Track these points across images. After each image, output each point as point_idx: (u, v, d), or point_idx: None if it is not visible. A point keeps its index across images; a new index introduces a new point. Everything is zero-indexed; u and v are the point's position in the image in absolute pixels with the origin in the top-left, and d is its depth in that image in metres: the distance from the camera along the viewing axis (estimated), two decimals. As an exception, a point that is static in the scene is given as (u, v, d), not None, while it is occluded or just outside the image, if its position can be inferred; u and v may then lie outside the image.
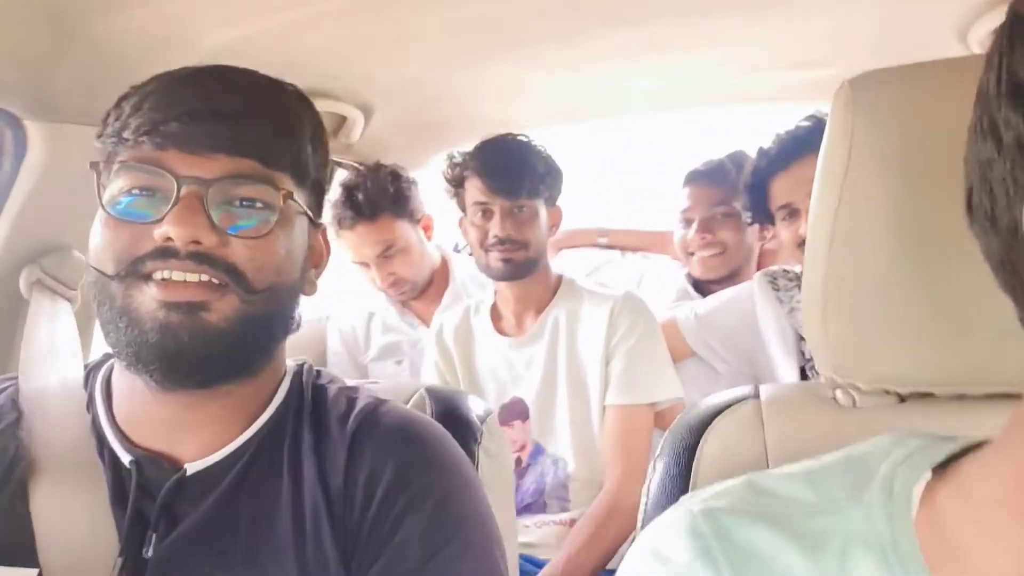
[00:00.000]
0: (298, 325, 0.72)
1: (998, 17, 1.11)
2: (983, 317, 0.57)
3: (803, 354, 1.43)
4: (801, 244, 1.36)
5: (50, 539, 0.63)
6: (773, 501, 0.45)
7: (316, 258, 0.74)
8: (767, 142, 1.46)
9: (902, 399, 0.66)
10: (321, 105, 1.44)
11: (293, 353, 0.77)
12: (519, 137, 1.50)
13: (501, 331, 1.53)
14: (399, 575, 0.64)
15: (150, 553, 0.63)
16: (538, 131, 1.94)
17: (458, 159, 1.50)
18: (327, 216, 1.66)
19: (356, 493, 0.66)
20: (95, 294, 0.64)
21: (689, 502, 0.47)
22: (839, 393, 0.69)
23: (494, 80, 1.57)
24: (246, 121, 0.63)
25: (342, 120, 1.59)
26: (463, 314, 1.59)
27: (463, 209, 1.51)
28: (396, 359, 1.79)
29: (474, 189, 1.44)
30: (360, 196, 1.67)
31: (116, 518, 0.65)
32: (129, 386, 0.68)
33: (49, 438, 0.67)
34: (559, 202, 1.54)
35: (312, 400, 0.73)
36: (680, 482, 0.70)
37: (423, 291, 1.78)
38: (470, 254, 1.78)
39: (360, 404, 0.73)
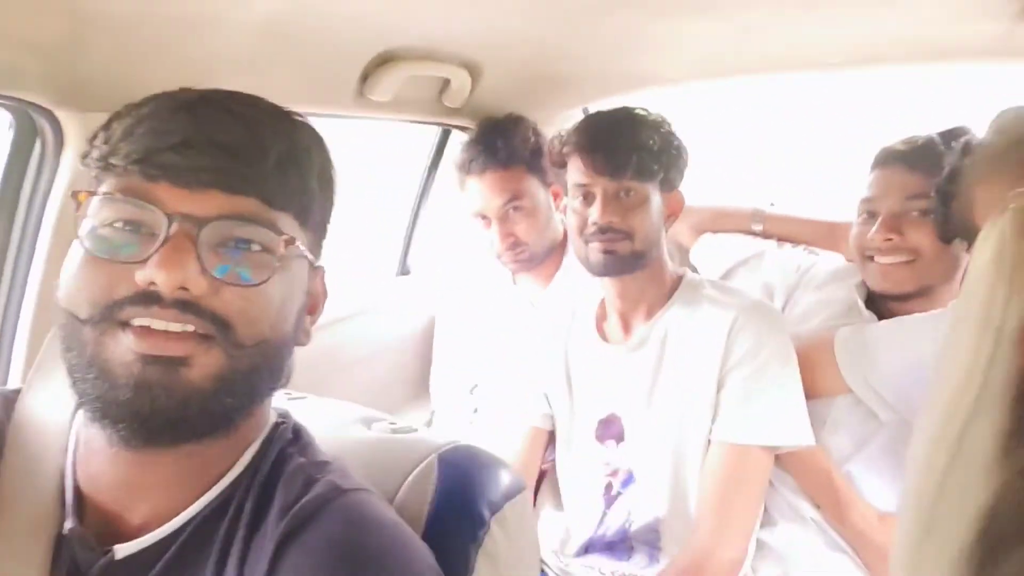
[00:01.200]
0: (287, 379, 0.64)
1: None
2: None
3: None
4: None
5: None
6: None
7: (313, 305, 0.66)
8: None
9: None
10: (417, 68, 1.27)
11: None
12: (635, 110, 1.22)
13: (604, 334, 1.32)
14: None
15: None
16: (690, 85, 1.65)
17: (563, 135, 1.26)
18: (455, 160, 1.57)
19: None
20: (63, 337, 0.57)
21: None
22: None
23: (622, 29, 1.29)
24: (247, 154, 0.56)
25: (445, 82, 1.41)
26: (571, 307, 1.39)
27: (566, 193, 1.29)
28: (501, 340, 1.65)
29: (575, 169, 1.21)
30: (498, 141, 1.52)
31: None
32: (89, 436, 0.61)
33: (20, 457, 0.61)
34: (683, 187, 1.25)
35: (266, 477, 0.62)
36: None
37: (539, 264, 1.60)
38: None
39: (311, 494, 0.59)
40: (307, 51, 1.07)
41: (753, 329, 1.14)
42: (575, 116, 1.81)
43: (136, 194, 0.55)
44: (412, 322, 1.81)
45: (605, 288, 1.29)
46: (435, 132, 1.75)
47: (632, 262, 1.19)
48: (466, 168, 1.54)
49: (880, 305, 1.31)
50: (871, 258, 1.27)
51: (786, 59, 1.44)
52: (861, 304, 1.32)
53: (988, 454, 0.35)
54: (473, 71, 1.40)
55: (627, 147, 1.16)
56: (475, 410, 1.71)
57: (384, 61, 1.23)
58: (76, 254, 0.56)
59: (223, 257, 0.55)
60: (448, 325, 1.77)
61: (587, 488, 1.28)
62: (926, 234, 1.21)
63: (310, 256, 0.63)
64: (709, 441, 1.16)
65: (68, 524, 0.58)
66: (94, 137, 0.59)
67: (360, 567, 0.55)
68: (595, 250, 1.19)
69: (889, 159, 1.27)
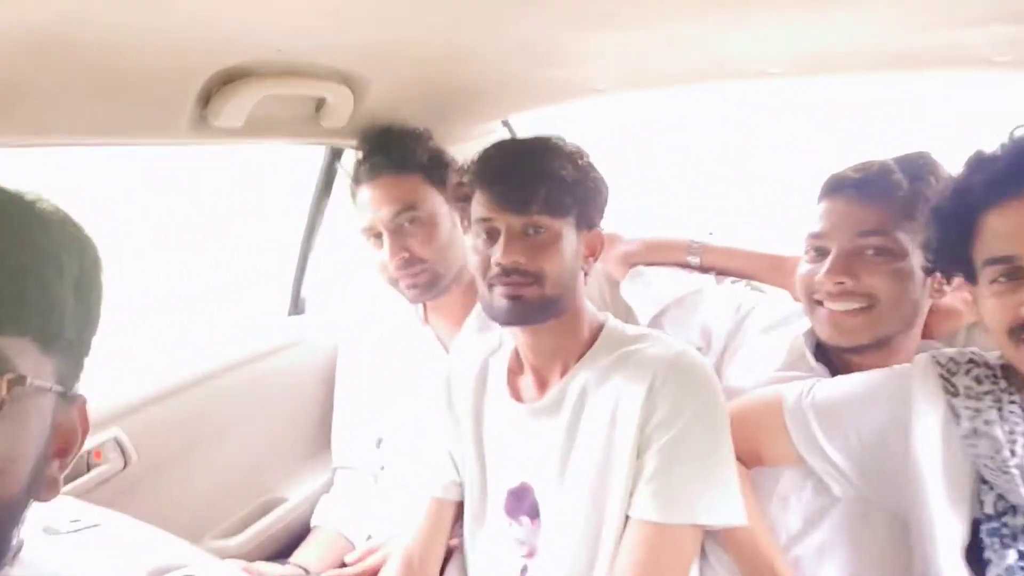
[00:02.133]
0: (17, 551, 0.55)
1: None
2: None
3: (982, 505, 0.87)
4: (1018, 330, 0.80)
5: None
6: None
7: (65, 446, 0.56)
8: (990, 145, 0.86)
9: None
10: (277, 87, 1.04)
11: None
12: (551, 138, 1.04)
13: (517, 392, 1.13)
14: None
15: None
16: (612, 96, 1.45)
17: (466, 165, 1.06)
18: (349, 174, 1.39)
19: None
20: None
21: None
22: None
23: (541, 39, 1.08)
24: None
25: (321, 100, 1.17)
26: (482, 358, 1.20)
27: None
28: (408, 392, 1.45)
29: (477, 202, 1.05)
30: (391, 146, 1.36)
31: None
32: None
33: None
34: (603, 224, 1.07)
35: None
36: None
37: (446, 295, 1.39)
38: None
39: None
40: (108, 71, 0.82)
41: (674, 388, 0.98)
42: (496, 130, 1.62)
43: None
44: (309, 368, 1.58)
45: (517, 340, 1.11)
46: (322, 153, 1.51)
47: (542, 310, 1.01)
48: (357, 177, 1.36)
49: (832, 355, 1.14)
50: (820, 303, 1.10)
51: (716, 70, 1.27)
52: (810, 356, 1.15)
53: None
54: (356, 87, 1.17)
55: (535, 178, 0.98)
56: (382, 467, 1.51)
57: (231, 80, 0.98)
58: None
59: None
60: (350, 370, 1.55)
61: (499, 570, 1.11)
62: (883, 277, 1.05)
63: (57, 388, 0.53)
64: (627, 517, 0.99)
65: None
66: None
67: None
68: (499, 295, 1.01)
69: (839, 187, 1.09)
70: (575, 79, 1.35)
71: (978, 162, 0.87)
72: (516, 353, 1.14)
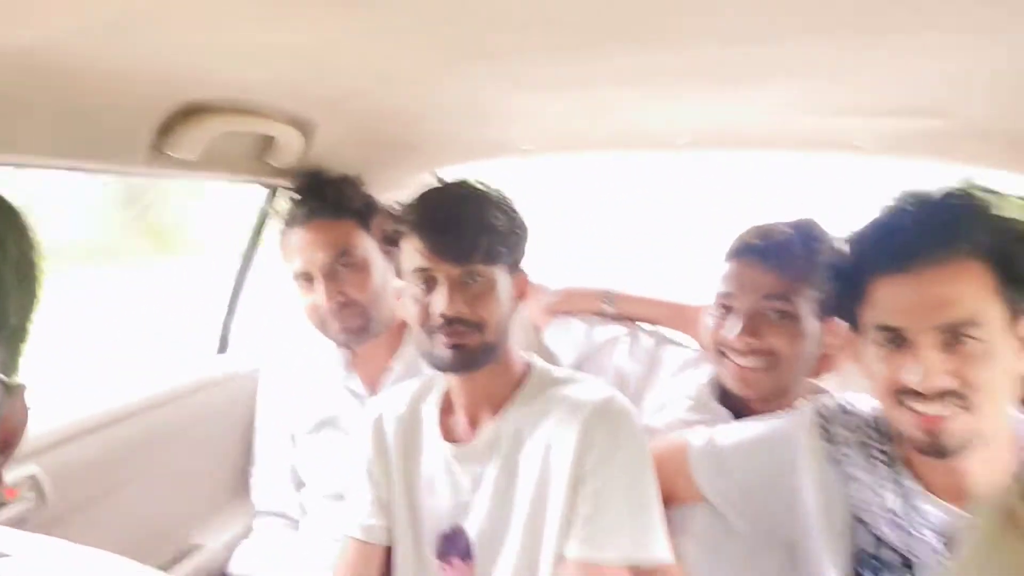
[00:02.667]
0: None
1: None
2: None
3: (857, 541, 0.97)
4: (899, 392, 0.85)
5: None
6: None
7: (5, 437, 0.53)
8: (880, 213, 0.90)
9: None
10: (234, 124, 1.08)
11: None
12: (474, 184, 1.10)
13: (448, 433, 1.15)
14: None
15: None
16: (542, 158, 1.59)
17: (395, 211, 1.11)
18: (282, 216, 1.39)
19: None
20: None
21: None
22: None
23: (475, 99, 1.19)
24: None
25: (269, 139, 1.22)
26: (411, 398, 1.22)
27: (401, 277, 1.11)
28: (332, 436, 1.43)
29: (412, 251, 1.05)
30: (327, 191, 1.38)
31: None
32: None
33: None
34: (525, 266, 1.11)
35: None
36: None
37: (375, 341, 1.42)
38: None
39: None
40: (78, 97, 0.85)
41: (605, 432, 1.02)
42: (425, 180, 1.70)
43: None
44: (231, 408, 1.54)
45: (450, 383, 1.14)
46: (262, 192, 1.53)
47: (483, 356, 1.05)
48: (290, 220, 1.37)
49: (735, 399, 1.26)
50: (725, 355, 1.21)
51: (629, 139, 1.42)
52: (715, 402, 1.27)
53: None
54: (305, 129, 1.23)
55: (473, 229, 1.02)
56: (303, 512, 1.47)
57: (191, 113, 1.02)
58: None
59: None
60: (271, 413, 1.52)
61: None
62: (784, 336, 1.16)
63: (2, 377, 0.50)
64: (560, 559, 1.02)
65: None
66: None
67: None
68: (441, 344, 1.03)
69: (744, 252, 1.22)
70: (503, 139, 1.46)
71: (873, 232, 0.90)
72: (447, 395, 1.16)
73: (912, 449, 0.89)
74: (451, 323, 1.02)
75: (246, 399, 1.55)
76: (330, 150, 1.37)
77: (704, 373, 1.34)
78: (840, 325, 1.03)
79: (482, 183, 1.09)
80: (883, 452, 0.95)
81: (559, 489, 1.02)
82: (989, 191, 0.84)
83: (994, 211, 0.83)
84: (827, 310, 1.07)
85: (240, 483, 1.53)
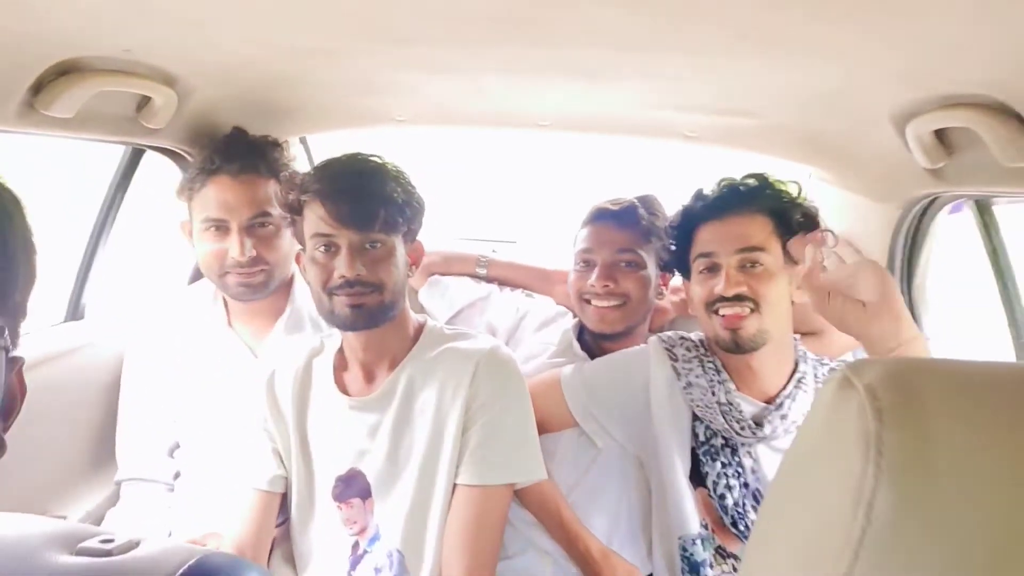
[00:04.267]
0: None
1: (942, 119, 0.93)
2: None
3: (696, 436, 1.25)
4: (711, 303, 1.18)
5: None
6: None
7: (8, 405, 0.55)
8: (708, 186, 1.27)
9: None
10: (111, 83, 1.05)
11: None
12: (372, 158, 1.19)
13: (344, 387, 1.25)
14: None
15: None
16: (419, 128, 1.66)
17: (296, 178, 1.16)
18: (198, 164, 1.38)
19: None
20: None
21: None
22: None
23: (361, 74, 1.24)
24: None
25: (144, 99, 1.19)
26: (304, 357, 1.28)
27: (301, 241, 1.19)
28: (214, 392, 1.44)
29: (316, 218, 1.12)
30: (259, 151, 1.40)
31: None
32: None
33: None
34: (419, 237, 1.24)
35: None
36: None
37: (263, 301, 1.44)
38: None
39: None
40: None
41: (494, 374, 1.18)
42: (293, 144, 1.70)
43: None
44: (88, 377, 1.47)
45: (347, 340, 1.23)
46: (121, 152, 1.46)
47: (381, 315, 1.16)
48: (213, 165, 1.35)
49: (591, 345, 1.48)
50: (588, 301, 1.43)
51: (500, 118, 1.55)
52: (576, 345, 1.48)
53: None
54: (181, 91, 1.21)
55: (375, 199, 1.11)
56: (176, 475, 1.47)
57: (66, 71, 0.98)
58: None
59: None
60: (140, 377, 1.48)
61: (330, 550, 1.21)
62: (633, 282, 1.41)
63: (12, 345, 0.52)
64: (455, 486, 1.17)
65: None
66: None
67: None
68: (341, 304, 1.12)
69: (601, 217, 1.44)
70: (380, 108, 1.51)
71: (699, 194, 1.27)
72: (341, 352, 1.26)
73: (723, 352, 1.22)
74: (352, 285, 1.11)
75: (107, 365, 1.49)
76: (205, 112, 1.35)
77: (561, 327, 1.54)
78: (669, 280, 1.45)
79: (379, 157, 1.17)
80: (711, 362, 1.25)
81: (452, 427, 1.16)
82: (770, 176, 1.24)
83: (775, 186, 1.22)
84: (667, 264, 1.37)
85: (102, 452, 1.48)
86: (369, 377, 1.23)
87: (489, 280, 1.67)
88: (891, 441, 0.34)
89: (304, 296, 1.47)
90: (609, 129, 1.58)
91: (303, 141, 1.76)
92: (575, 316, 1.53)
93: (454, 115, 1.55)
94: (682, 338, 1.32)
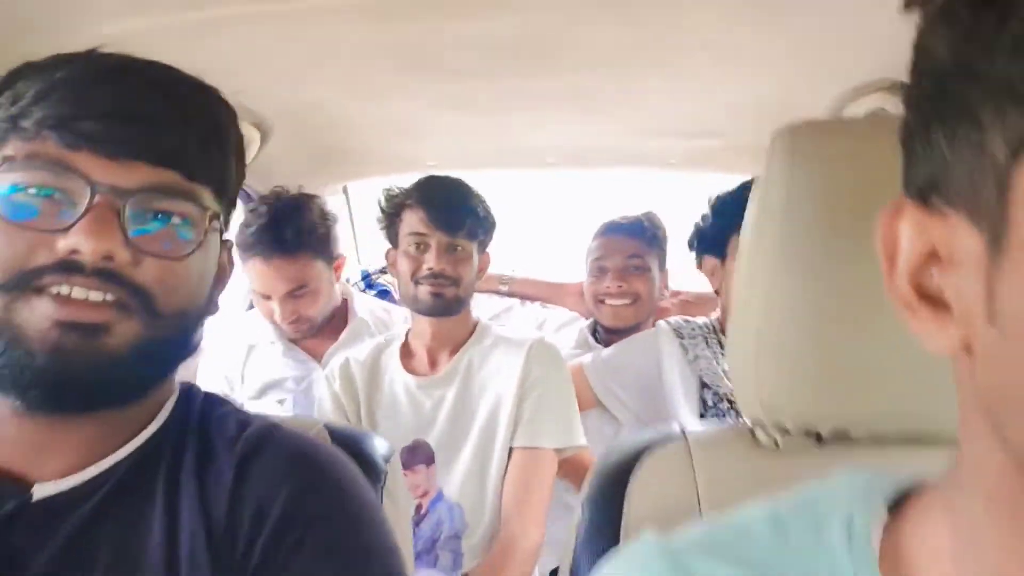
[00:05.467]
0: (195, 350, 0.65)
1: (865, 104, 1.17)
2: (901, 362, 0.58)
3: (704, 402, 1.45)
4: None
5: None
6: (735, 541, 0.43)
7: (221, 277, 0.68)
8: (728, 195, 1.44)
9: (820, 440, 0.67)
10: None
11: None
12: (464, 182, 1.46)
13: (411, 369, 1.45)
14: None
15: None
16: (447, 172, 1.96)
17: (395, 191, 1.44)
18: (235, 239, 1.50)
19: (242, 522, 0.58)
20: None
21: (649, 537, 0.44)
22: (760, 434, 0.69)
23: (404, 114, 1.54)
24: (171, 127, 0.57)
25: (237, 138, 1.48)
26: (372, 349, 1.50)
27: (393, 241, 1.45)
28: (279, 397, 1.63)
29: (414, 219, 1.39)
30: (286, 229, 1.50)
31: None
32: None
33: None
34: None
35: (199, 422, 0.65)
36: (612, 518, 0.67)
37: (319, 329, 1.66)
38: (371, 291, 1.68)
39: (252, 427, 0.64)
40: None
41: (544, 358, 1.42)
42: (335, 191, 1.99)
43: (53, 160, 0.53)
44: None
45: (419, 328, 1.45)
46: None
47: (455, 305, 1.40)
48: (249, 252, 1.51)
49: (605, 340, 1.72)
50: (602, 302, 1.69)
51: (514, 158, 1.85)
52: (591, 339, 1.72)
53: None
54: (264, 132, 1.50)
55: (462, 208, 1.39)
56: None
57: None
58: None
59: (147, 229, 0.56)
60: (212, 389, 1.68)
61: None
62: (642, 283, 1.68)
63: (224, 229, 0.65)
64: (511, 449, 1.36)
65: None
66: None
67: (325, 471, 0.64)
68: (425, 292, 1.36)
69: (613, 229, 1.74)
70: (415, 154, 1.81)
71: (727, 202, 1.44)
72: (407, 343, 1.49)
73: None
74: (437, 276, 1.36)
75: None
76: (271, 155, 1.62)
77: (577, 328, 1.79)
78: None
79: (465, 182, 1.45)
80: (715, 338, 1.48)
81: (508, 399, 1.38)
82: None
83: None
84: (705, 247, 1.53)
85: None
86: (433, 362, 1.45)
87: (511, 295, 1.94)
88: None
89: (364, 309, 1.71)
90: (604, 162, 1.89)
91: (344, 191, 2.05)
92: (587, 320, 1.78)
93: (474, 158, 1.85)
94: (687, 322, 1.55)
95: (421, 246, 1.38)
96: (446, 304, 1.38)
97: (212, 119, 0.61)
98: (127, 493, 0.58)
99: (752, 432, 0.70)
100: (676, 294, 1.81)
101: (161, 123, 0.56)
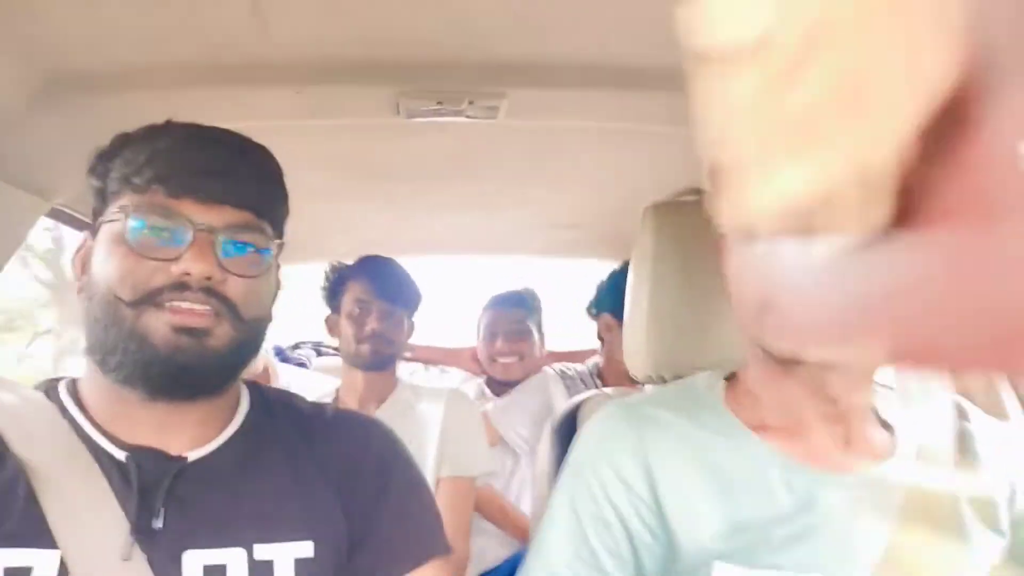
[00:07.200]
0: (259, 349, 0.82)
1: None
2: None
3: None
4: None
5: (64, 526, 0.66)
6: (661, 399, 0.85)
7: (278, 292, 0.83)
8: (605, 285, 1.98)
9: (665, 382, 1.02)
10: None
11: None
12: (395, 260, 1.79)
13: None
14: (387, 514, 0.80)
15: (159, 525, 0.69)
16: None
17: (340, 265, 1.76)
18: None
19: (344, 469, 0.80)
20: (102, 316, 0.70)
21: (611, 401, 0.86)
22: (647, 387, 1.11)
23: (332, 212, 1.86)
24: (244, 178, 0.74)
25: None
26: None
27: (335, 308, 1.72)
28: None
29: (359, 289, 1.67)
30: None
31: (122, 503, 0.69)
32: (110, 395, 0.73)
33: (33, 443, 0.70)
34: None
35: (273, 403, 0.84)
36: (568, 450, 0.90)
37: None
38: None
39: (324, 406, 0.87)
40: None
41: (459, 402, 1.74)
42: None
43: (162, 207, 0.70)
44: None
45: (351, 382, 1.72)
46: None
47: (390, 362, 1.71)
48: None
49: (497, 392, 2.10)
50: (495, 360, 2.09)
51: (423, 246, 2.21)
52: (488, 391, 2.10)
53: None
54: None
55: (400, 283, 1.72)
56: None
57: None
58: (117, 252, 0.70)
59: (233, 256, 0.72)
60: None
61: None
62: (527, 344, 2.10)
63: (282, 240, 0.80)
64: (438, 480, 1.62)
65: (121, 453, 0.72)
66: (101, 156, 0.75)
67: (391, 435, 0.89)
68: (367, 350, 1.65)
69: (501, 302, 2.16)
70: (329, 245, 2.11)
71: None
72: (338, 396, 1.74)
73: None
74: (378, 336, 1.66)
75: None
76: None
77: (474, 384, 2.17)
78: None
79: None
80: (593, 383, 1.95)
81: (433, 437, 1.65)
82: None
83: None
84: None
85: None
86: (364, 411, 1.71)
87: (413, 360, 2.27)
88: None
89: (284, 377, 1.95)
90: (489, 250, 2.33)
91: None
92: (480, 377, 2.17)
93: (382, 246, 2.18)
94: (568, 367, 2.02)
95: (364, 312, 1.69)
96: (383, 360, 1.69)
97: (267, 168, 0.77)
98: (255, 451, 0.77)
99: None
100: (552, 353, 2.25)
101: (239, 176, 0.73)
